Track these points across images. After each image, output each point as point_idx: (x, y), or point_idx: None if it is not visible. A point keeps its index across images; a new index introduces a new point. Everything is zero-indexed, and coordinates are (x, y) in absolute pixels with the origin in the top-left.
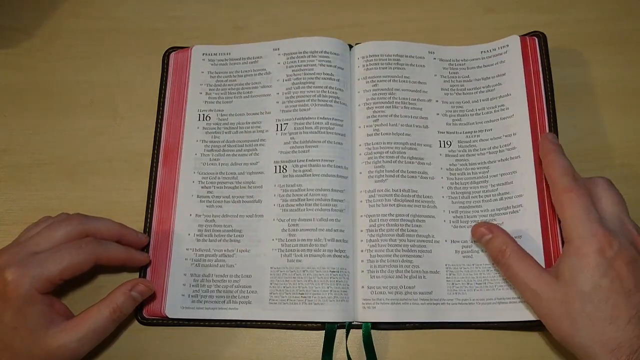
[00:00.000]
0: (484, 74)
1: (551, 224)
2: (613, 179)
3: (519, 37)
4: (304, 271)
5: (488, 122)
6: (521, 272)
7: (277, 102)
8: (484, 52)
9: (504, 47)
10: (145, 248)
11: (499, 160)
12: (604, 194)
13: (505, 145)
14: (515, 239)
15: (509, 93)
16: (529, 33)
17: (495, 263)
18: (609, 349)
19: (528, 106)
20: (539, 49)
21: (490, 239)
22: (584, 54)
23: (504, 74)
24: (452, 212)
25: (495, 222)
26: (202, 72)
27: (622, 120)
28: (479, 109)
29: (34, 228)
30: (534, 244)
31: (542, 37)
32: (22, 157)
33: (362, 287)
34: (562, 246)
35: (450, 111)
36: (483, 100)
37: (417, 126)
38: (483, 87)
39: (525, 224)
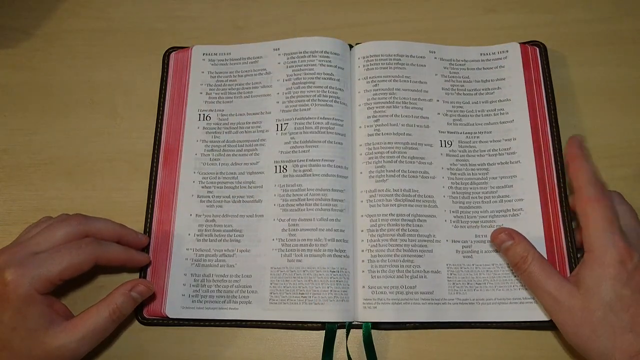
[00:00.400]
0: (484, 77)
1: (555, 230)
2: (613, 179)
3: (519, 45)
4: (304, 271)
5: (487, 124)
6: (543, 280)
7: (278, 102)
8: (484, 54)
9: (503, 52)
10: (145, 248)
11: (498, 164)
12: (619, 207)
13: (505, 150)
14: None
15: (508, 98)
16: (529, 42)
17: (516, 270)
18: (628, 356)
19: (529, 114)
20: (540, 59)
21: (510, 245)
22: (584, 54)
23: (504, 79)
24: (453, 211)
25: (495, 224)
26: (203, 72)
27: (622, 120)
28: (479, 111)
29: (34, 228)
30: (536, 247)
31: (542, 47)
32: (22, 157)
33: (363, 287)
34: (569, 252)
35: (451, 111)
36: (483, 102)
37: (417, 126)
38: (482, 90)
39: (527, 228)
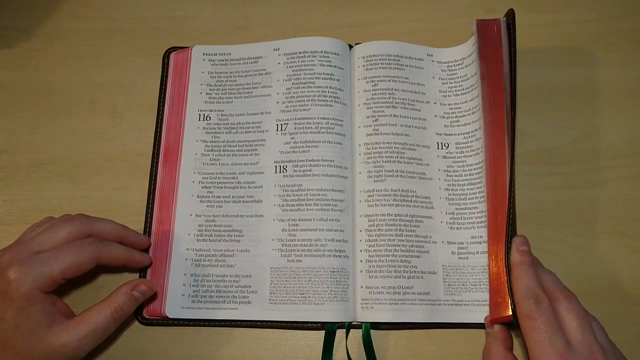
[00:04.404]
0: (476, 68)
1: (500, 227)
2: (613, 179)
3: (475, 21)
4: (304, 271)
5: (481, 118)
6: None
7: (277, 102)
8: (475, 44)
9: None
10: (146, 249)
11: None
12: (567, 315)
13: None
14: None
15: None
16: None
17: (484, 352)
18: None
19: (481, 92)
20: (503, 29)
21: (488, 332)
22: (584, 53)
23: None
24: (449, 213)
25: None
26: (202, 72)
27: (622, 120)
28: (474, 107)
29: (36, 228)
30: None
31: (511, 16)
32: (22, 157)
33: (361, 287)
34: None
35: (448, 113)
36: (478, 97)
37: (415, 127)
38: (476, 83)
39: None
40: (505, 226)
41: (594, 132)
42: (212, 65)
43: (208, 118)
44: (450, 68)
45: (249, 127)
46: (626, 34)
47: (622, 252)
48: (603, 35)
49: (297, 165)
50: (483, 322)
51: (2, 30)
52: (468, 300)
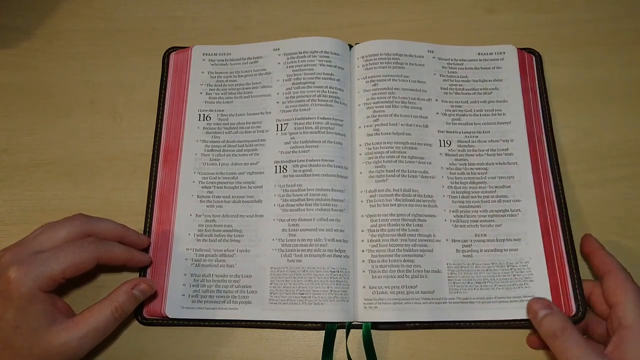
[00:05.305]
0: (481, 77)
1: (553, 230)
2: (613, 179)
3: (516, 48)
4: (304, 271)
5: (485, 124)
6: (581, 356)
7: (278, 102)
8: (481, 54)
9: (500, 53)
10: (146, 249)
11: (497, 164)
12: None
13: (503, 150)
14: (515, 242)
15: (505, 100)
16: (525, 48)
17: (551, 341)
18: None
19: (525, 118)
20: (535, 67)
21: (548, 314)
22: (583, 54)
23: (501, 80)
24: (453, 211)
25: (494, 223)
26: (202, 72)
27: (621, 120)
28: (477, 110)
29: (37, 229)
30: (534, 247)
31: (537, 56)
32: (22, 157)
33: (364, 287)
34: (567, 254)
35: (450, 110)
36: (481, 102)
37: (417, 125)
38: (480, 89)
39: (525, 228)
40: (560, 218)
41: (594, 132)
42: (212, 65)
43: (208, 118)
44: (450, 66)
45: (249, 127)
46: (626, 34)
47: (622, 252)
48: (603, 35)
49: (297, 165)
50: (488, 320)
51: (2, 30)
52: (474, 298)
